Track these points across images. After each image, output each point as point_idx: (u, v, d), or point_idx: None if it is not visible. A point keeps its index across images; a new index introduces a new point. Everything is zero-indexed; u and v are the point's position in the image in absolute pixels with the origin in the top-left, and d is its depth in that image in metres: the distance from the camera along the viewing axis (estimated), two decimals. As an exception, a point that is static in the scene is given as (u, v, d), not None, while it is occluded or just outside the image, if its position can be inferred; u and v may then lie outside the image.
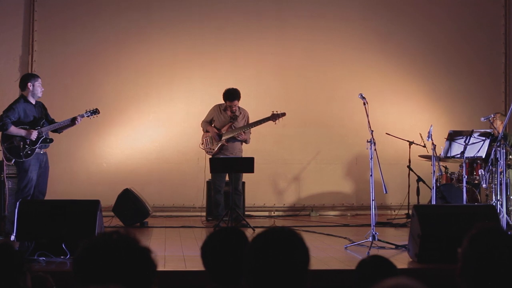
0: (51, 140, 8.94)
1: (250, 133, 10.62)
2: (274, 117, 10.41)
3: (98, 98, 11.30)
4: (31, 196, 8.60)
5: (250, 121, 10.60)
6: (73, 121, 8.94)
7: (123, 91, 11.76)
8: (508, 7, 12.70)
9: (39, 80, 8.96)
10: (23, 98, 8.83)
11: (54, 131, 9.03)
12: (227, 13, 12.06)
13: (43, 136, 8.76)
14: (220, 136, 10.44)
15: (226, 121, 10.53)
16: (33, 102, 8.89)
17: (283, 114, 10.43)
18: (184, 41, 11.92)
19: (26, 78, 9.00)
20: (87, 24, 11.75)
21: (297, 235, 2.87)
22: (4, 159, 8.91)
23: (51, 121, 9.03)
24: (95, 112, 9.18)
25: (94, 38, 11.76)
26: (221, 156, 10.36)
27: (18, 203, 7.30)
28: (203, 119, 10.70)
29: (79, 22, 11.74)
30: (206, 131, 10.61)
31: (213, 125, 10.57)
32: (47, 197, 8.93)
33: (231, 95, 10.44)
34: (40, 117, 8.87)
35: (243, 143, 10.62)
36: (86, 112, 9.10)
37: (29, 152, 8.62)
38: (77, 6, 11.77)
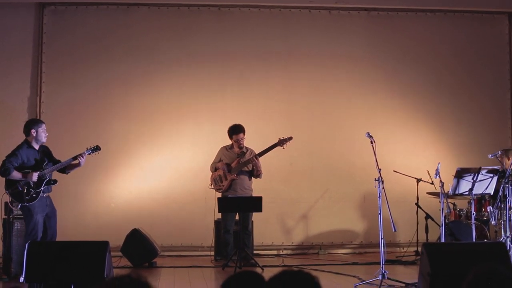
0: (55, 181, 8.85)
1: (261, 172, 10.60)
2: (281, 142, 10.42)
3: (106, 139, 11.35)
4: (41, 239, 8.54)
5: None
6: (75, 159, 8.82)
7: (130, 132, 11.80)
8: (513, 44, 12.78)
9: (43, 126, 8.93)
10: (26, 144, 8.80)
11: (62, 171, 8.99)
12: (233, 53, 12.13)
13: (46, 178, 8.73)
14: (230, 169, 10.45)
15: (234, 158, 10.55)
16: (36, 147, 8.86)
17: (290, 138, 10.43)
18: (190, 80, 11.99)
19: (30, 124, 8.95)
20: (95, 65, 11.83)
21: (314, 279, 2.85)
22: (10, 205, 8.92)
23: (56, 162, 8.97)
24: (96, 149, 9.04)
25: (101, 79, 11.84)
26: (230, 194, 10.36)
27: (27, 244, 7.29)
28: (211, 162, 10.72)
29: (86, 63, 11.82)
30: (215, 170, 10.63)
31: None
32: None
33: (236, 128, 10.53)
34: (42, 159, 8.81)
35: (252, 179, 10.61)
36: (87, 149, 8.96)
37: (34, 195, 8.56)
38: (84, 47, 11.86)
